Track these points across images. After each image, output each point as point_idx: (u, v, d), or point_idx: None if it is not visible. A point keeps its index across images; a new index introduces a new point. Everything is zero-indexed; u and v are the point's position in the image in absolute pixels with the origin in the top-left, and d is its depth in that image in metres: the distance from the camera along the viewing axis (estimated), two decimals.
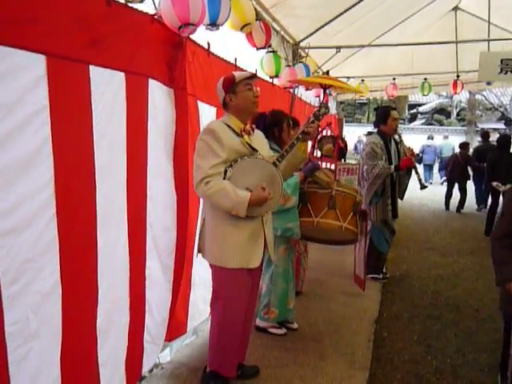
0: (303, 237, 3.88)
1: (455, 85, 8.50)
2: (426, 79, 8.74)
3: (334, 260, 6.21)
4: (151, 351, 3.00)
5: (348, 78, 9.14)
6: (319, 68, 7.00)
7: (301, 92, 6.96)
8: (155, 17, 2.78)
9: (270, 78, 4.92)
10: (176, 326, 3.41)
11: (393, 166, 5.16)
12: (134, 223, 2.68)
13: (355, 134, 21.44)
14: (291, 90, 6.16)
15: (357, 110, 32.96)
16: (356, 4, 5.62)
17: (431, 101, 31.78)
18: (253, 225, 2.78)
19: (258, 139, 2.95)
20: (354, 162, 9.96)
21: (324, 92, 4.92)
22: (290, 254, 3.91)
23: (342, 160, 5.74)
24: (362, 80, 9.01)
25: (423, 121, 31.88)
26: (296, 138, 2.84)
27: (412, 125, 31.27)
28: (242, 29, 3.76)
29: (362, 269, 4.30)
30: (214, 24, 3.27)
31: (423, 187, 5.48)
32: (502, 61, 5.58)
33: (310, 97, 7.84)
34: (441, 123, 30.73)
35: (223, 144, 2.64)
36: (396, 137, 5.41)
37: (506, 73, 5.62)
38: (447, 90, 9.39)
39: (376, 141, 5.20)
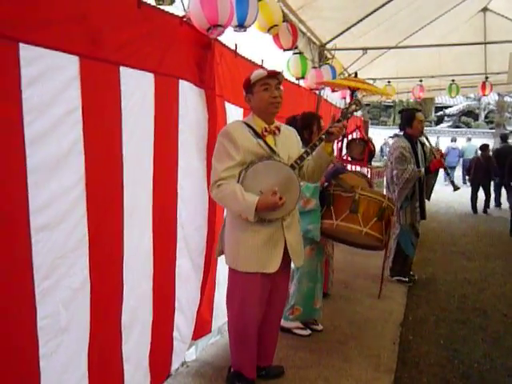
0: (330, 238, 3.89)
1: (484, 86, 8.37)
2: (453, 81, 8.63)
3: (358, 262, 6.17)
4: (180, 349, 3.05)
5: (374, 79, 9.09)
6: (345, 70, 6.97)
7: (327, 94, 6.96)
8: (184, 19, 2.82)
9: (297, 79, 4.93)
10: (202, 325, 3.44)
11: (423, 169, 5.11)
12: (162, 221, 2.72)
13: (381, 137, 21.19)
14: (317, 92, 6.16)
15: (382, 113, 32.61)
16: (383, 5, 5.59)
17: (459, 103, 31.23)
18: (270, 229, 2.72)
19: (287, 139, 2.87)
20: (379, 164, 9.94)
21: (351, 94, 4.95)
22: (318, 254, 3.89)
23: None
24: (389, 82, 8.95)
25: (450, 123, 31.35)
26: (318, 139, 2.76)
27: (439, 127, 30.79)
28: (269, 30, 3.79)
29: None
30: (241, 26, 3.32)
31: (456, 189, 5.43)
32: None
33: (336, 98, 7.82)
34: (468, 125, 30.19)
35: (238, 146, 2.61)
36: (422, 139, 5.35)
37: None
38: (475, 92, 9.20)
39: (404, 144, 5.15)
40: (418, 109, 5.58)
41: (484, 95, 8.69)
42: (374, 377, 3.34)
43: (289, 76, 4.90)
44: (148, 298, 2.64)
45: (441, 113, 32.58)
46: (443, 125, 31.54)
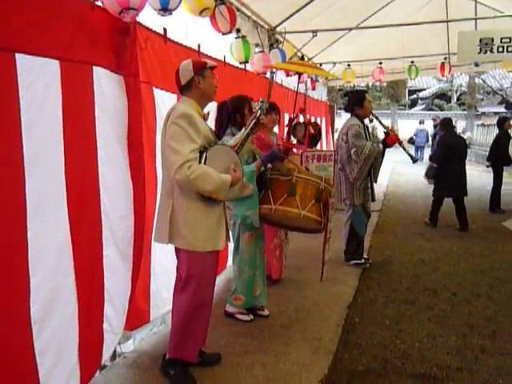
0: (269, 223, 3.86)
1: (442, 67, 8.39)
2: (412, 62, 8.62)
3: (315, 246, 6.13)
4: (110, 341, 2.99)
5: (334, 63, 9.08)
6: (298, 52, 6.91)
7: (281, 78, 6.90)
8: (97, 2, 2.74)
9: (240, 63, 4.85)
10: (137, 315, 3.40)
11: (381, 145, 5.14)
12: (82, 212, 2.65)
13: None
14: (268, 76, 6.10)
15: None
16: None
17: (431, 86, 31.50)
18: (219, 209, 2.90)
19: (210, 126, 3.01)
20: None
21: (299, 77, 4.91)
22: (257, 240, 3.87)
23: (317, 147, 5.68)
24: (348, 65, 8.91)
25: (423, 106, 31.63)
26: (250, 129, 3.07)
27: (412, 110, 31.06)
28: (200, 13, 3.70)
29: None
30: (165, 9, 3.23)
31: (415, 161, 5.54)
32: (480, 40, 5.49)
33: (293, 83, 7.75)
34: (441, 108, 30.47)
35: (199, 129, 2.71)
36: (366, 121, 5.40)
37: (486, 52, 5.53)
38: (436, 74, 9.21)
39: (357, 122, 5.18)
40: (365, 90, 5.60)
41: (443, 76, 8.71)
42: (311, 360, 3.34)
43: (232, 60, 4.82)
44: (69, 291, 2.57)
45: (414, 96, 32.81)
46: (417, 108, 31.82)
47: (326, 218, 3.55)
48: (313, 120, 8.63)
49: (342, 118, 23.45)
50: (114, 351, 3.29)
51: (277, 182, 3.57)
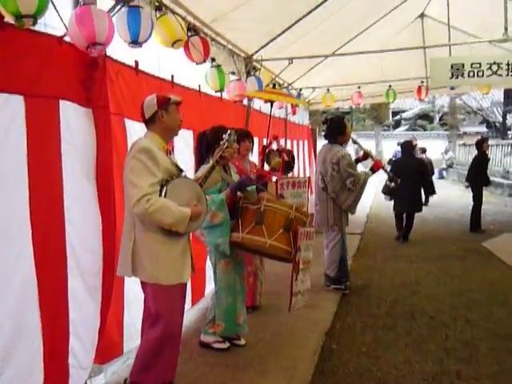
0: (242, 249, 3.85)
1: (419, 91, 8.54)
2: (390, 86, 8.77)
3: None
4: (78, 375, 2.95)
5: (313, 88, 9.20)
6: (276, 78, 6.99)
7: (260, 104, 6.97)
8: (64, 38, 2.77)
9: (216, 92, 4.91)
10: (110, 348, 3.36)
11: (370, 172, 5.25)
12: (47, 246, 2.64)
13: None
14: (246, 104, 6.17)
15: None
16: (303, 17, 5.65)
17: (414, 107, 32.01)
18: (182, 241, 2.89)
19: (175, 159, 3.05)
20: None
21: (271, 105, 4.97)
22: (235, 267, 3.85)
23: (290, 174, 5.71)
24: (328, 90, 9.03)
25: (407, 127, 32.07)
26: (216, 161, 3.12)
27: (396, 131, 31.44)
28: (173, 45, 3.75)
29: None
30: (135, 42, 3.27)
31: (396, 182, 5.61)
32: (452, 66, 5.59)
33: (274, 109, 7.83)
34: (424, 128, 30.93)
35: (159, 163, 2.72)
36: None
37: (457, 77, 5.63)
38: (413, 97, 9.38)
39: (346, 152, 5.29)
40: (343, 116, 5.71)
41: (420, 99, 8.88)
42: None
43: (208, 89, 4.87)
44: (33, 327, 2.54)
45: (398, 117, 33.29)
46: (400, 129, 32.23)
47: (296, 248, 3.54)
48: (289, 146, 8.70)
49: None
50: None
51: (246, 211, 3.59)
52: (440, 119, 31.52)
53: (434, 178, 20.66)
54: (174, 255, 2.82)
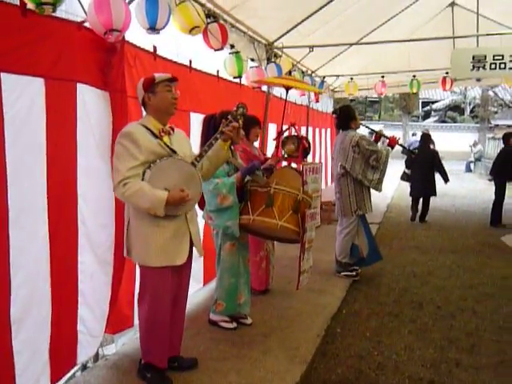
0: (250, 233, 3.98)
1: (444, 81, 8.46)
2: (414, 76, 8.71)
3: None
4: (87, 343, 3.14)
5: (337, 76, 9.20)
6: (298, 65, 7.04)
7: (281, 91, 7.03)
8: (84, 24, 2.91)
9: (234, 78, 5.01)
10: (120, 320, 3.55)
11: (389, 148, 5.42)
12: (60, 220, 2.82)
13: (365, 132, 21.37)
14: (265, 90, 6.25)
15: (368, 108, 32.76)
16: (326, 5, 5.67)
17: (445, 97, 31.40)
18: (176, 223, 2.88)
19: (179, 139, 3.03)
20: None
21: (286, 92, 5.04)
22: (240, 250, 3.97)
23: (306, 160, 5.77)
24: (351, 78, 9.03)
25: (436, 118, 31.53)
26: (214, 138, 2.97)
27: (425, 122, 30.97)
28: (190, 31, 3.86)
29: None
30: (153, 28, 3.39)
31: (412, 153, 5.70)
32: (473, 57, 5.57)
33: (295, 96, 7.90)
34: (454, 120, 30.37)
35: (140, 146, 2.71)
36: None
37: (479, 69, 5.61)
38: (437, 88, 9.29)
39: (361, 134, 5.41)
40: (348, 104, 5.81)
41: (444, 90, 8.78)
42: (286, 368, 3.44)
43: (227, 75, 4.98)
44: (44, 294, 2.73)
45: (428, 108, 32.73)
46: (429, 120, 31.70)
47: (303, 229, 3.66)
48: (310, 134, 8.76)
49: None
50: (97, 353, 3.45)
51: (255, 194, 3.70)
52: (471, 111, 30.89)
53: (461, 171, 20.45)
54: (163, 238, 2.82)
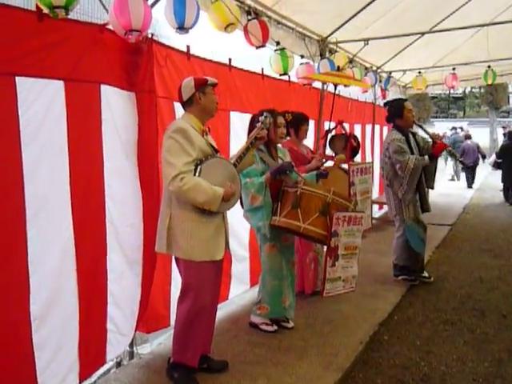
0: (290, 233, 3.85)
1: None
2: (489, 67, 8.08)
3: (368, 259, 6.02)
4: (116, 341, 3.18)
5: (404, 71, 8.79)
6: (353, 62, 6.78)
7: (339, 89, 6.82)
8: (107, 26, 2.96)
9: (280, 75, 4.91)
10: (156, 319, 3.58)
11: (426, 157, 4.92)
12: (87, 220, 2.88)
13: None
14: (320, 87, 6.09)
15: (451, 105, 31.07)
16: None
17: None
18: (216, 221, 2.98)
19: (212, 140, 3.11)
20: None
21: (335, 88, 4.87)
22: (281, 251, 3.85)
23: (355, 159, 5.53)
24: (419, 72, 8.57)
25: None
26: (250, 143, 3.14)
27: None
28: (225, 29, 3.82)
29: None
30: (181, 28, 3.38)
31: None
32: None
33: (356, 92, 7.64)
34: None
35: (193, 143, 2.84)
36: (412, 129, 5.17)
37: None
38: None
39: (398, 136, 4.97)
40: (404, 99, 5.39)
41: None
42: (319, 375, 3.29)
43: (273, 73, 4.90)
44: (70, 292, 2.79)
45: None
46: None
47: (331, 233, 3.47)
48: (377, 132, 8.42)
49: (436, 127, 22.33)
50: (132, 352, 3.50)
51: (286, 194, 3.61)
52: None
53: None
54: (207, 233, 2.91)
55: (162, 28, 3.70)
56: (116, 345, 3.18)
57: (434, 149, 4.88)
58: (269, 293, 3.89)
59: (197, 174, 2.80)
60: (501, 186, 11.81)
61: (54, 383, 2.68)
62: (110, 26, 2.97)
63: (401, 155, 4.89)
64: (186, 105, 2.99)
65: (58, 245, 2.71)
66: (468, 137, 14.36)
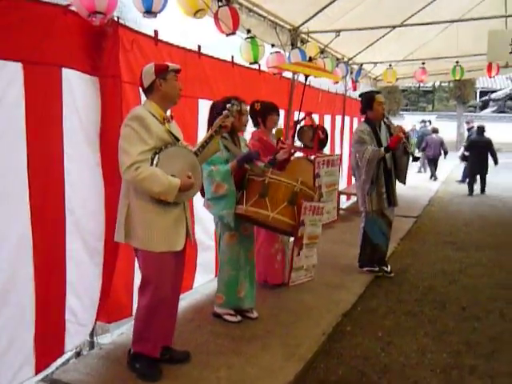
0: (248, 222, 3.82)
1: (489, 68, 7.93)
2: (457, 62, 8.20)
3: (335, 251, 6.09)
4: (75, 331, 3.11)
5: (375, 63, 8.84)
6: (326, 53, 6.78)
7: (310, 79, 6.80)
8: (70, 7, 2.85)
9: (250, 64, 4.85)
10: (117, 309, 3.51)
11: (382, 148, 4.96)
12: (45, 207, 2.78)
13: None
14: (291, 77, 6.06)
15: (421, 98, 31.51)
16: None
17: (505, 86, 29.75)
18: (176, 210, 2.93)
19: (175, 128, 3.04)
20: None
21: (305, 79, 4.84)
22: (241, 241, 3.81)
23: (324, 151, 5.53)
24: (390, 65, 8.64)
25: (495, 108, 29.93)
26: (214, 131, 3.06)
27: (483, 113, 29.50)
28: (195, 15, 3.74)
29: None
30: (149, 12, 3.30)
31: (414, 159, 5.27)
32: None
33: (327, 83, 7.64)
34: None
35: (151, 131, 2.75)
36: (386, 121, 5.18)
37: None
38: (483, 75, 8.72)
39: (362, 128, 5.06)
40: (377, 90, 5.41)
41: (490, 77, 8.23)
42: (281, 365, 3.30)
43: (242, 61, 4.84)
44: (26, 281, 2.70)
45: (486, 97, 31.15)
46: (487, 110, 30.17)
47: (299, 222, 3.47)
48: (347, 123, 8.47)
49: (406, 120, 22.57)
50: (92, 342, 3.43)
51: (252, 183, 3.56)
52: None
53: None
54: (166, 224, 2.86)
55: (130, 12, 3.62)
56: (75, 335, 3.12)
57: (390, 142, 4.94)
58: (225, 283, 3.87)
59: (154, 163, 2.73)
60: (459, 177, 13.59)
61: (8, 375, 2.61)
62: (73, 8, 2.86)
63: (360, 145, 4.98)
64: (147, 91, 2.91)
65: (14, 232, 2.61)
66: (435, 130, 14.72)
